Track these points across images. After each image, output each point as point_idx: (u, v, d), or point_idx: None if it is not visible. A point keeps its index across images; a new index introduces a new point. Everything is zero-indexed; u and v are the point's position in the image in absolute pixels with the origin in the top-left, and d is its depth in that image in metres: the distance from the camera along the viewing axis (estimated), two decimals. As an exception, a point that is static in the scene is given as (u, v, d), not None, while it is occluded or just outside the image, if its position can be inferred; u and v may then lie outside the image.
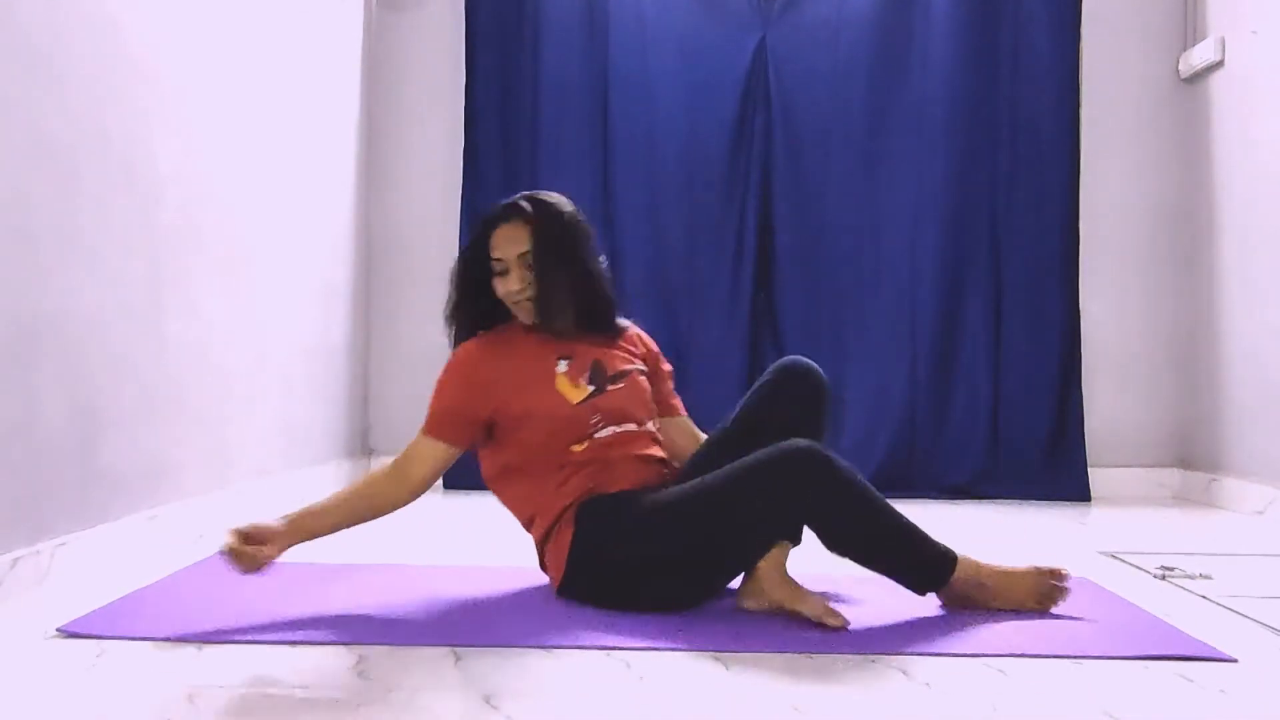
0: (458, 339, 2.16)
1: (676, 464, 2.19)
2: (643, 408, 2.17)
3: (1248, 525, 3.36)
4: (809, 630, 1.87)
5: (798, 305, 4.12)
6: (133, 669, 1.63)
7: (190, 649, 1.73)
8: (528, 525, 2.14)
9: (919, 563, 1.97)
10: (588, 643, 1.77)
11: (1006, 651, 1.75)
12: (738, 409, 2.16)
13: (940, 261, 4.07)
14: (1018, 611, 1.97)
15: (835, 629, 1.86)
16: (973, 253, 4.09)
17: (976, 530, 3.26)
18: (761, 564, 1.97)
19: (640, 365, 2.22)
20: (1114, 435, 4.12)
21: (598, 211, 4.12)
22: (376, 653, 1.72)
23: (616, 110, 4.12)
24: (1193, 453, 4.03)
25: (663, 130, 4.13)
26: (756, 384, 2.17)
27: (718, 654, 1.73)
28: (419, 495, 2.08)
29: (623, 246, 4.12)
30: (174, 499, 2.66)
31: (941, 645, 1.78)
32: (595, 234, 2.20)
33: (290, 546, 1.98)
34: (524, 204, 2.09)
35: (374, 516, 2.06)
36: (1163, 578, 2.39)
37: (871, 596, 2.07)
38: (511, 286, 2.07)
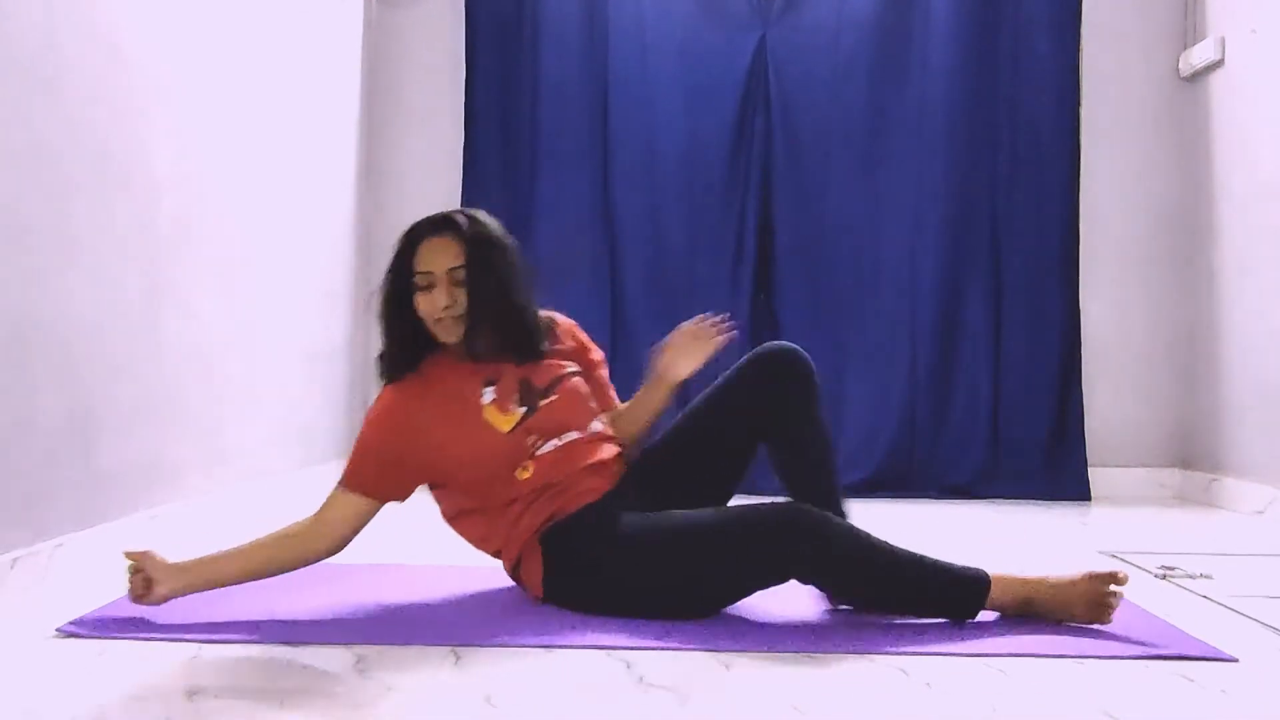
0: (388, 374, 2.03)
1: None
2: (583, 413, 2.08)
3: (1248, 525, 3.36)
4: (809, 630, 1.86)
5: (798, 306, 4.12)
6: (133, 669, 1.63)
7: (190, 649, 1.72)
8: (495, 556, 2.09)
9: (947, 597, 1.90)
10: (588, 643, 1.77)
11: (1006, 651, 1.75)
12: (718, 394, 2.13)
13: (940, 262, 4.07)
14: (1073, 623, 1.89)
15: None
16: (973, 253, 4.09)
17: (977, 530, 3.26)
18: None
19: (572, 366, 2.13)
20: (1114, 435, 4.12)
21: (598, 212, 4.13)
22: (376, 653, 1.72)
23: (616, 111, 4.12)
24: (1193, 453, 4.02)
25: (662, 131, 4.13)
26: (738, 372, 2.13)
27: (718, 654, 1.73)
28: (340, 550, 1.98)
29: (623, 247, 4.12)
30: (173, 499, 2.66)
31: (941, 645, 1.77)
32: (531, 267, 2.10)
33: (185, 592, 1.89)
34: (456, 217, 1.99)
35: (290, 569, 1.96)
36: (1163, 577, 2.39)
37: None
38: (439, 302, 1.94)
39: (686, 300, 4.12)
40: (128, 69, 2.45)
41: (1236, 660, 1.72)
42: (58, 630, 1.81)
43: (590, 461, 2.03)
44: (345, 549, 2.00)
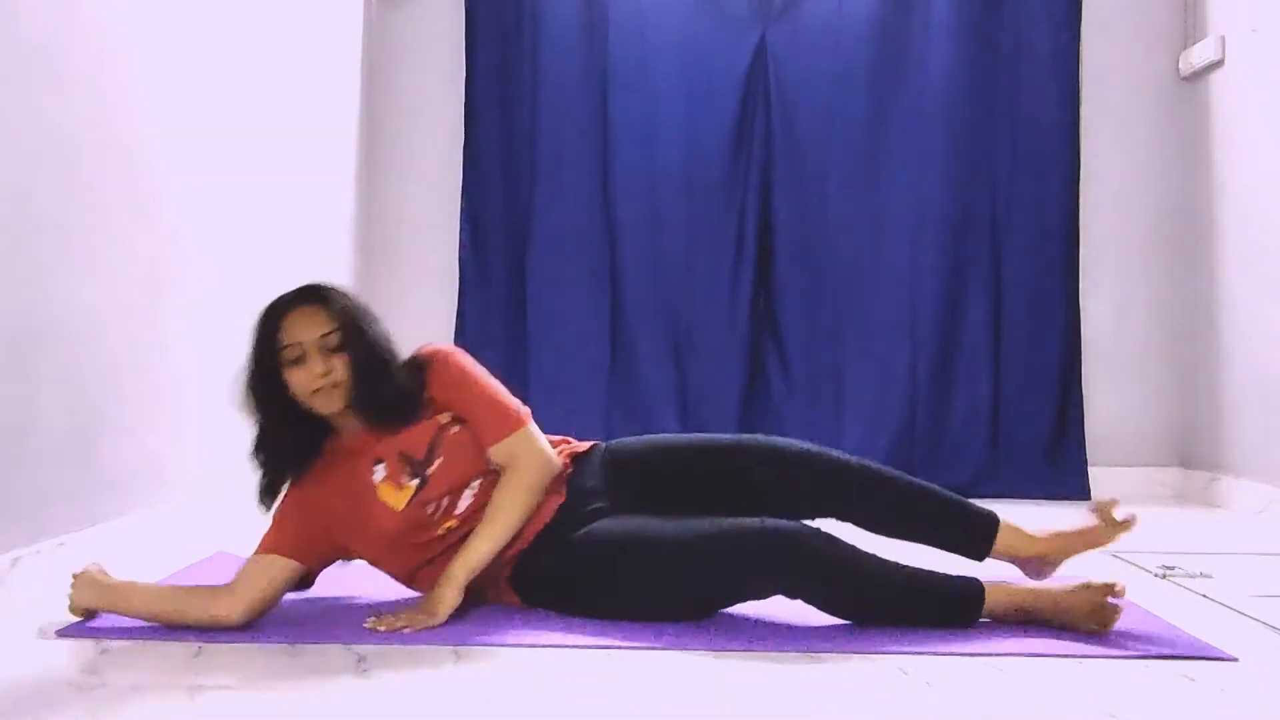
0: (277, 476, 1.95)
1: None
2: (473, 460, 1.97)
3: (1248, 524, 3.36)
4: (809, 630, 1.86)
5: (798, 306, 4.12)
6: (133, 669, 1.63)
7: (190, 648, 1.73)
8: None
9: (940, 610, 1.87)
10: (588, 643, 1.77)
11: (1006, 651, 1.75)
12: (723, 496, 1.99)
13: (940, 261, 4.07)
14: (1073, 633, 1.84)
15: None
16: (973, 252, 4.08)
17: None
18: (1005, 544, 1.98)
19: (444, 416, 1.98)
20: (1114, 434, 4.12)
21: (597, 211, 4.13)
22: (376, 653, 1.72)
23: (616, 110, 4.12)
24: (1193, 452, 4.03)
25: (662, 131, 4.12)
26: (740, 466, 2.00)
27: (718, 654, 1.73)
28: (248, 616, 1.83)
29: (622, 246, 4.12)
30: (174, 499, 2.66)
31: (941, 645, 1.77)
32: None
33: (98, 610, 1.86)
34: (316, 288, 1.94)
35: (194, 626, 1.82)
36: (1163, 577, 2.39)
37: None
38: (315, 370, 1.86)
39: (687, 300, 4.14)
40: (128, 68, 2.45)
41: (1236, 660, 1.72)
42: (58, 630, 1.81)
43: None
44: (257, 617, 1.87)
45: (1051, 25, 4.08)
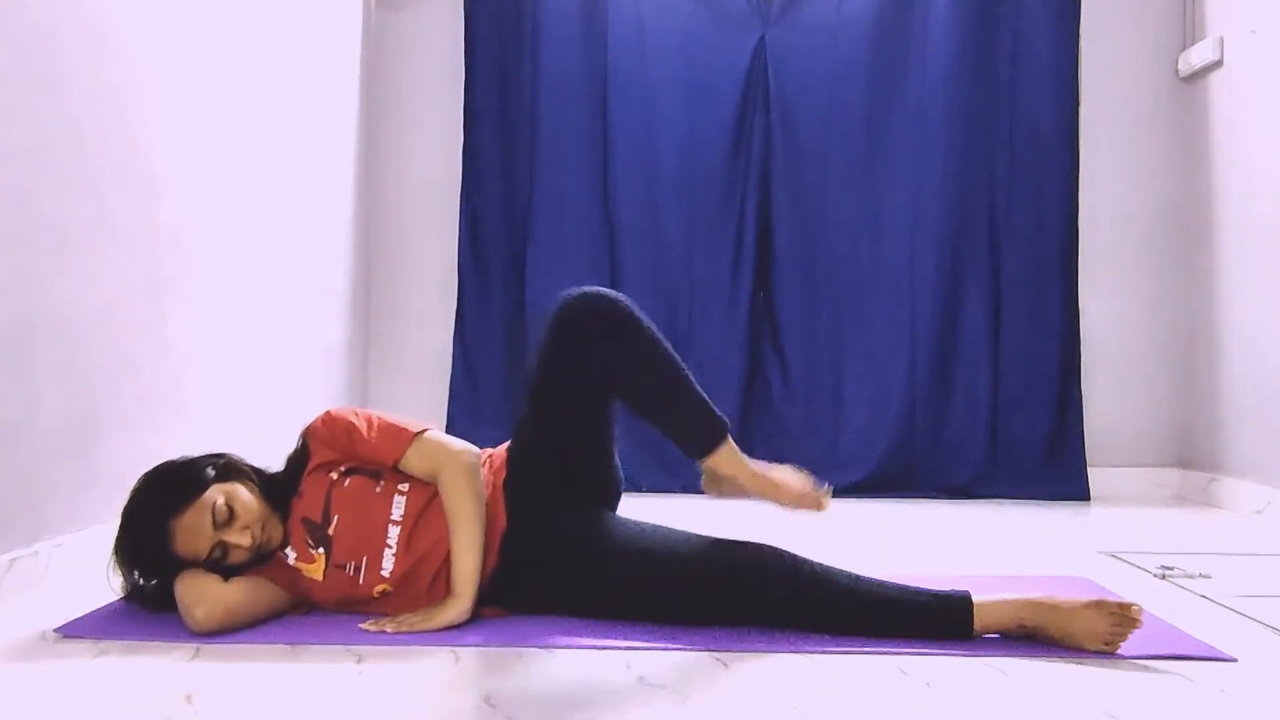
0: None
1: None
2: (370, 510, 1.91)
3: (1247, 525, 3.36)
4: (808, 630, 1.86)
5: (797, 305, 4.12)
6: (131, 669, 1.63)
7: (189, 649, 1.73)
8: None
9: (925, 627, 1.81)
10: (588, 643, 1.77)
11: (1006, 651, 1.75)
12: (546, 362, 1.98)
13: (940, 261, 4.07)
14: (1078, 650, 1.75)
15: (819, 510, 1.74)
16: (972, 253, 4.08)
17: (976, 530, 3.26)
18: (718, 460, 1.87)
19: (335, 470, 1.96)
20: (1113, 435, 4.12)
21: (597, 211, 4.13)
22: (376, 653, 1.72)
23: (616, 110, 4.12)
24: (1192, 453, 4.03)
25: (662, 131, 4.13)
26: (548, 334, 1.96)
27: (718, 654, 1.73)
28: (210, 622, 1.79)
29: (622, 246, 4.12)
30: (173, 499, 2.65)
31: (941, 645, 1.77)
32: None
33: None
34: (181, 496, 1.87)
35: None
36: (1162, 577, 2.39)
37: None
38: (244, 543, 1.86)
39: (686, 299, 4.14)
40: (130, 68, 2.45)
41: (1236, 660, 1.72)
42: (56, 631, 1.81)
43: (433, 537, 1.91)
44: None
45: (1051, 25, 4.08)
